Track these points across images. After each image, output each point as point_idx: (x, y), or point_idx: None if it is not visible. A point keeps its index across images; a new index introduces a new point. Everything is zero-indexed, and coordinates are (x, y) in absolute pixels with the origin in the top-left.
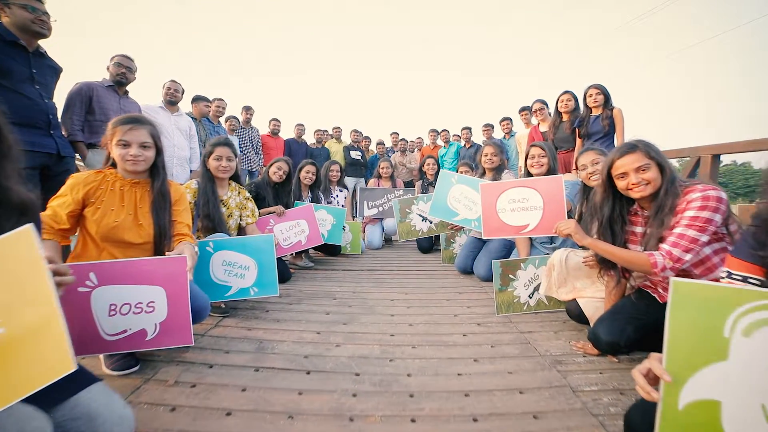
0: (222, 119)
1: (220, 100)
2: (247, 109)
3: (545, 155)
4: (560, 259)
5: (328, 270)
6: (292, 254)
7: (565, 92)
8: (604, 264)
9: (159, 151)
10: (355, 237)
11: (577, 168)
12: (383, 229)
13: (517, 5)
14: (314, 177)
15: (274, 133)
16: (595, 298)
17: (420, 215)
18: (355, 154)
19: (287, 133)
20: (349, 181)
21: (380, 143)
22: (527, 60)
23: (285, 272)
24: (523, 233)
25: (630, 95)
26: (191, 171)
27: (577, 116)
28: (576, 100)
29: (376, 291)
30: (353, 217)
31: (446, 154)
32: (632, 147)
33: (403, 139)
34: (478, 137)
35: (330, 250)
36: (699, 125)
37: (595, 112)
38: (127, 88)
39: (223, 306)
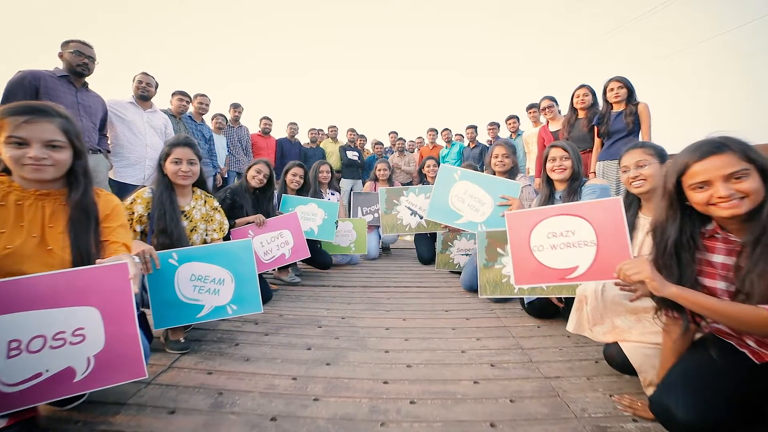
0: (207, 117)
1: (203, 96)
2: (236, 107)
3: (568, 156)
4: (595, 290)
5: (316, 286)
6: (275, 269)
7: (581, 86)
8: (665, 302)
9: (78, 154)
10: (360, 236)
11: (594, 172)
12: (380, 237)
13: (518, 5)
14: (302, 180)
15: (265, 132)
16: (644, 343)
17: (409, 208)
18: (352, 155)
19: (279, 132)
20: (346, 183)
21: (378, 143)
22: (527, 60)
23: (265, 291)
24: (570, 279)
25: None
26: None
27: (596, 113)
28: (593, 94)
29: (369, 316)
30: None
31: (448, 154)
32: (719, 146)
33: (401, 139)
34: (483, 137)
35: (320, 262)
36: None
37: (617, 108)
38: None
39: (182, 340)
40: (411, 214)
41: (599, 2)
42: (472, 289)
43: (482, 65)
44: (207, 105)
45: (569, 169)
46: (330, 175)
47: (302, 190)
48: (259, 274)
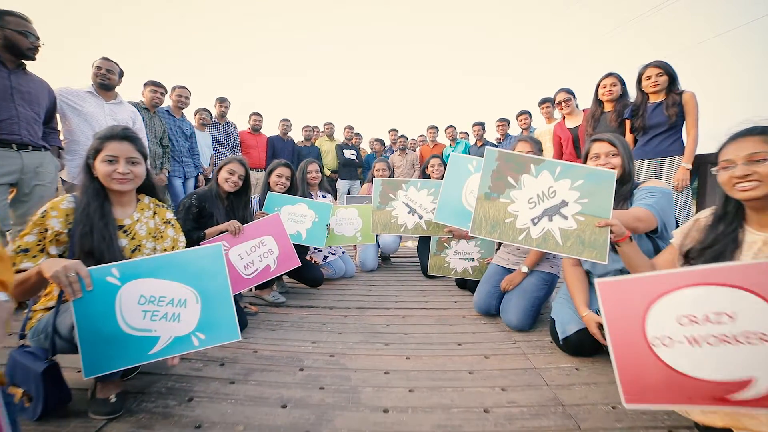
0: (189, 112)
1: (182, 87)
2: (222, 101)
3: (617, 152)
4: None
5: (303, 307)
6: (253, 287)
7: (609, 75)
8: None
9: None
10: (367, 223)
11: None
12: (379, 245)
13: (518, 5)
14: (288, 182)
15: (255, 129)
16: None
17: (407, 205)
18: (350, 153)
19: (272, 131)
20: (343, 184)
21: (377, 141)
22: (527, 60)
23: (239, 317)
24: (739, 402)
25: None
26: None
27: (626, 104)
28: (623, 84)
29: (365, 352)
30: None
31: (452, 154)
32: (751, 129)
33: (402, 136)
34: (491, 135)
35: (310, 278)
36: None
37: (655, 99)
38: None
39: (113, 398)
40: (408, 212)
41: (600, 2)
42: (488, 312)
43: (482, 65)
44: (187, 98)
45: (619, 168)
46: (319, 175)
47: (289, 194)
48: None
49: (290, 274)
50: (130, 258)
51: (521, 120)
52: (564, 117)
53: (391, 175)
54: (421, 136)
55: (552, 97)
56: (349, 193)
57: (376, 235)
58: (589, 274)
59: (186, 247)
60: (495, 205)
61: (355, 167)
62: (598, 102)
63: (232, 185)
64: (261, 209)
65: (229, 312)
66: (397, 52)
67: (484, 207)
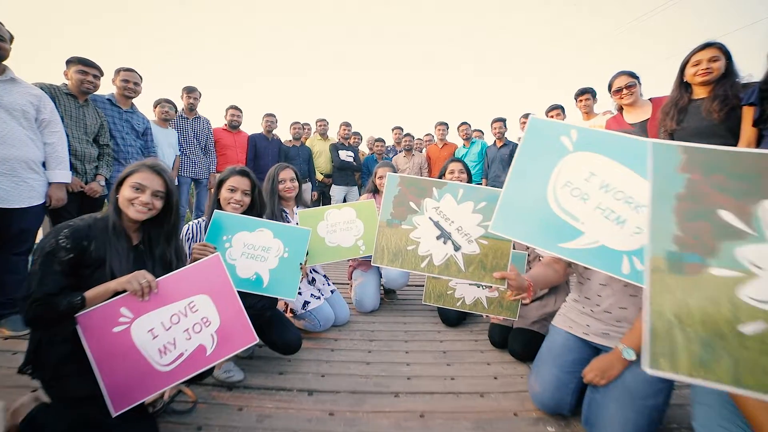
0: (144, 104)
1: (129, 71)
2: (190, 91)
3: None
4: None
5: (266, 392)
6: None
7: (708, 46)
8: None
9: None
10: (370, 228)
11: None
12: (380, 277)
13: (518, 5)
14: (247, 198)
15: (233, 126)
16: None
17: (437, 225)
18: (346, 155)
19: (253, 127)
20: (338, 190)
21: (379, 140)
22: (527, 60)
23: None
24: None
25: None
26: (49, 184)
27: (734, 86)
28: (728, 57)
29: None
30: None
31: (466, 155)
32: None
33: (408, 135)
34: (512, 133)
35: (281, 343)
36: None
37: None
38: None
39: None
40: (439, 237)
41: (602, 2)
42: (559, 412)
43: (482, 65)
44: (136, 84)
45: None
46: (296, 185)
47: (249, 214)
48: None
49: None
50: None
51: (554, 116)
52: (622, 109)
53: None
54: (427, 135)
55: (587, 88)
56: (344, 201)
57: (379, 270)
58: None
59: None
60: (397, 232)
61: (352, 171)
62: (683, 86)
63: (141, 210)
64: (200, 234)
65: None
66: (396, 53)
67: (386, 235)
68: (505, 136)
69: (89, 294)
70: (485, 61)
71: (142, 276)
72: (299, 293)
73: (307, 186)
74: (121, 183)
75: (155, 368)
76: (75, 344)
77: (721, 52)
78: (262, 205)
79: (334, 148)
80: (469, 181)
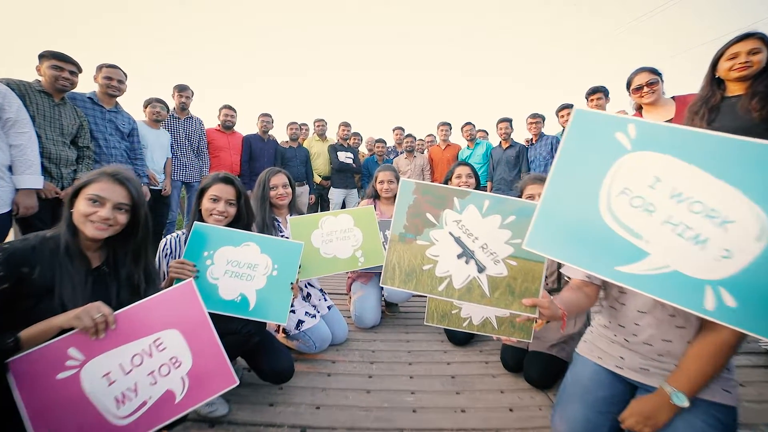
0: (130, 104)
1: (111, 67)
2: (182, 90)
3: None
4: None
5: (252, 429)
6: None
7: (747, 37)
8: None
9: None
10: (370, 236)
11: None
12: (382, 289)
13: (518, 6)
14: (233, 209)
15: (227, 126)
16: None
17: (459, 241)
18: (345, 157)
19: (249, 128)
20: (337, 193)
21: (380, 141)
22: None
23: None
24: None
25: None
26: (17, 190)
27: None
28: None
29: None
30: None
31: (470, 157)
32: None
33: (409, 136)
34: (518, 134)
35: (271, 371)
36: None
37: None
38: None
39: None
40: (460, 256)
41: (602, 2)
42: None
43: (482, 65)
44: (121, 82)
45: None
46: (290, 192)
47: (235, 227)
48: None
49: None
50: None
51: (563, 116)
52: (641, 108)
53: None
54: (429, 135)
55: (600, 86)
56: (344, 205)
57: (378, 275)
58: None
59: None
60: (411, 248)
61: (352, 173)
62: (715, 82)
63: (100, 225)
64: (176, 249)
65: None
66: (395, 53)
67: (398, 251)
68: (512, 137)
69: (26, 333)
70: (486, 62)
71: (96, 309)
72: (292, 311)
73: (305, 189)
74: (75, 195)
75: (110, 422)
76: (5, 397)
77: (763, 44)
78: (249, 215)
79: (333, 150)
80: (477, 185)
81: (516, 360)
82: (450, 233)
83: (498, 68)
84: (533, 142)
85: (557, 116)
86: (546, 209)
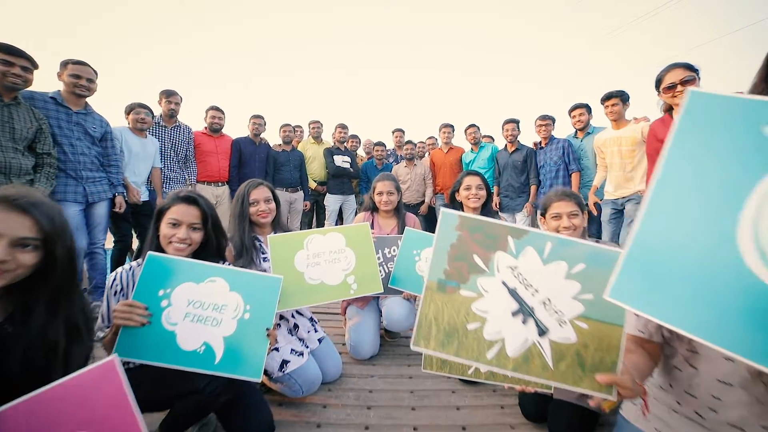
0: (91, 102)
1: (80, 64)
2: (169, 95)
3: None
4: None
5: None
6: None
7: None
8: None
9: None
10: (364, 259)
11: None
12: (380, 315)
13: (518, 6)
14: (199, 233)
15: (214, 129)
16: None
17: (514, 293)
18: (342, 161)
19: (240, 130)
20: (333, 200)
21: (379, 144)
22: (527, 60)
23: None
24: None
25: (633, 96)
26: None
27: None
28: None
29: None
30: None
31: (474, 161)
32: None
33: (410, 142)
34: (525, 137)
35: (245, 429)
36: None
37: None
38: None
39: None
40: (516, 313)
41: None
42: None
43: (482, 65)
44: (91, 81)
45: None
46: (273, 208)
47: (204, 252)
48: None
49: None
50: None
51: (576, 116)
52: (670, 109)
53: (400, 199)
54: (430, 137)
55: (658, 78)
56: (340, 213)
57: (377, 298)
58: None
59: None
60: (453, 300)
61: (349, 178)
62: None
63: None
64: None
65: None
66: (396, 53)
67: (436, 302)
68: (518, 139)
69: None
70: (485, 62)
71: None
72: (275, 348)
73: (299, 195)
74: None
75: None
76: None
77: None
78: (220, 241)
79: (329, 153)
80: (488, 197)
81: (538, 408)
82: (503, 283)
83: (497, 68)
84: (542, 145)
85: (570, 116)
86: (643, 242)
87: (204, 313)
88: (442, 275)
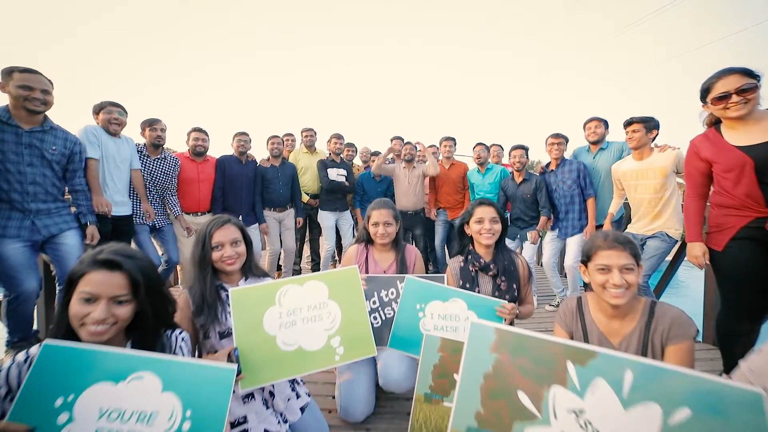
0: (73, 121)
1: (29, 72)
2: (152, 124)
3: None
4: None
5: None
6: None
7: None
8: None
9: None
10: (352, 315)
11: None
12: (376, 373)
13: (518, 6)
14: (126, 308)
15: (197, 153)
16: None
17: (586, 426)
18: (337, 174)
19: (223, 148)
20: (327, 216)
21: (376, 154)
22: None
23: None
24: None
25: (634, 96)
26: None
27: None
28: None
29: None
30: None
31: (481, 183)
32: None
33: (409, 143)
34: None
35: None
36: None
37: None
38: None
39: None
40: (576, 421)
41: (601, 3)
42: None
43: (482, 65)
44: (46, 92)
45: None
46: (242, 249)
47: (140, 331)
48: None
49: None
50: None
51: (592, 128)
52: (718, 122)
53: (399, 230)
54: (432, 146)
55: (705, 85)
56: (337, 230)
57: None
58: None
59: None
60: (438, 407)
61: (344, 193)
62: None
63: None
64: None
65: None
66: (397, 53)
67: (425, 409)
68: (527, 167)
69: None
70: (486, 62)
71: None
72: (244, 431)
73: (290, 212)
74: None
75: None
76: None
77: None
78: (160, 314)
79: (323, 166)
80: (504, 232)
81: None
82: None
83: (498, 68)
84: (552, 168)
85: (584, 128)
86: None
87: (123, 428)
88: (474, 422)
